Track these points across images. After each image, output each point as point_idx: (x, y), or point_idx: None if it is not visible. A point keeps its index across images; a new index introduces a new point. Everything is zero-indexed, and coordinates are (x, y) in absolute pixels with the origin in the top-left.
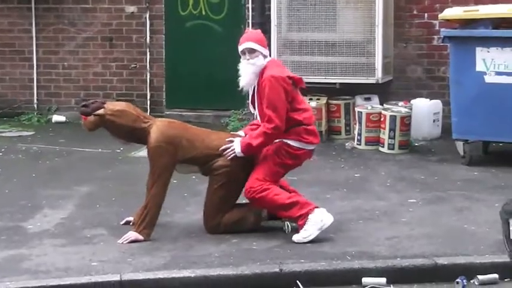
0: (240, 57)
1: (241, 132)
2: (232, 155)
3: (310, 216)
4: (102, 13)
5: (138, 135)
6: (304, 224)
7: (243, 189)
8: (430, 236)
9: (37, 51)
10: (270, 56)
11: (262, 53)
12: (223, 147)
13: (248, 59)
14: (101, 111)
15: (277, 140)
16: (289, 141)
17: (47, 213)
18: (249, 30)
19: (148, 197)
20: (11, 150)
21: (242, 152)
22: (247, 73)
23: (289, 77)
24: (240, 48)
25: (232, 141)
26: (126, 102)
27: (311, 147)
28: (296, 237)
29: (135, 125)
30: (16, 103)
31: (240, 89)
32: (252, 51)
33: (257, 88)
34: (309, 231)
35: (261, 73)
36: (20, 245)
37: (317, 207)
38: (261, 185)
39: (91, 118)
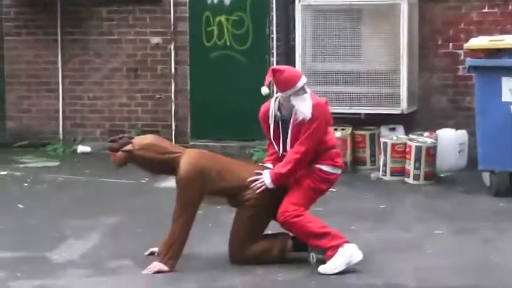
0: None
1: (269, 164)
2: (262, 187)
3: (340, 249)
4: (127, 44)
5: (168, 167)
6: (333, 255)
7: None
8: (457, 267)
9: (63, 83)
10: None
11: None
12: (252, 178)
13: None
14: (129, 147)
15: (308, 167)
16: (322, 167)
17: (72, 244)
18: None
19: (174, 227)
20: (36, 181)
21: (272, 183)
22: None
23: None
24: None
25: (260, 173)
26: (153, 135)
27: (340, 171)
28: (323, 269)
29: (164, 157)
30: (42, 134)
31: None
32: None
33: (292, 122)
34: (336, 263)
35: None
36: (45, 276)
37: (348, 241)
38: (295, 210)
39: (120, 154)
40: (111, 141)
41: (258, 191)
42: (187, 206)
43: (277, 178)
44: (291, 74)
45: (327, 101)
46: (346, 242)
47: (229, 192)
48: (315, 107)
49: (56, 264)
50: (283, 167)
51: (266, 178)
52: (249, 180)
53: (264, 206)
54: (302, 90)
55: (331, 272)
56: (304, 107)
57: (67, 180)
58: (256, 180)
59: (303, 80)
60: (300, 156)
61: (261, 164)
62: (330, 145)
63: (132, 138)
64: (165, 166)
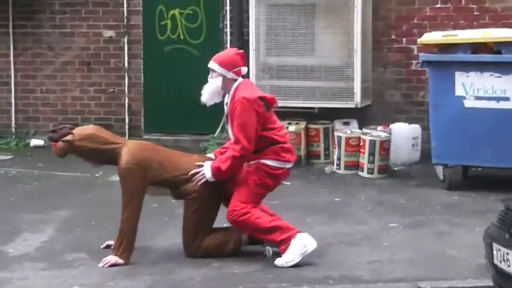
0: None
1: (211, 155)
2: (202, 180)
3: (292, 241)
4: (80, 37)
5: (108, 158)
6: (286, 248)
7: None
8: (411, 260)
9: (15, 76)
10: (245, 77)
11: (222, 74)
12: (193, 171)
13: (210, 77)
14: (69, 137)
15: (254, 162)
16: (267, 162)
17: (27, 237)
18: (226, 50)
19: (122, 219)
20: None
21: (213, 177)
22: (205, 91)
23: (261, 98)
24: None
25: (202, 166)
26: (94, 126)
27: (289, 165)
28: (278, 262)
29: (105, 147)
30: None
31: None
32: (212, 71)
33: (229, 109)
34: (291, 255)
35: (233, 94)
36: (1, 268)
37: (299, 231)
38: (242, 208)
39: (60, 144)
40: (53, 131)
41: (198, 183)
42: (131, 197)
43: (217, 173)
44: (235, 57)
45: (259, 97)
46: (298, 232)
47: (171, 183)
48: (240, 101)
49: (11, 257)
50: (223, 163)
51: (207, 171)
52: (190, 173)
53: (207, 199)
54: (236, 76)
55: (287, 265)
56: (237, 94)
57: (20, 174)
58: (198, 173)
59: (243, 69)
60: (237, 154)
61: (204, 155)
62: (274, 140)
63: (73, 128)
64: (106, 157)
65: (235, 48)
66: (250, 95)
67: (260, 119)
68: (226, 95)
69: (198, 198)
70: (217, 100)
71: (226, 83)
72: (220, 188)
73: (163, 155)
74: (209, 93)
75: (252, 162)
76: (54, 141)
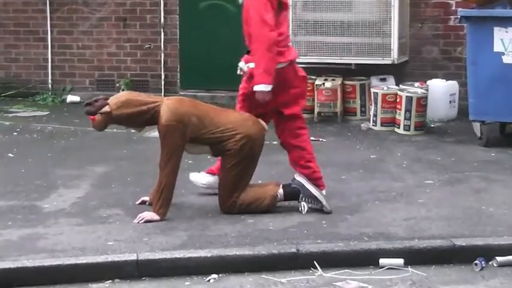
0: None
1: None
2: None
3: None
4: None
5: (149, 118)
6: None
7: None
8: (447, 217)
9: (51, 31)
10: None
11: None
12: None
13: None
14: (106, 109)
15: None
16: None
17: (62, 193)
18: None
19: (161, 176)
20: (25, 130)
21: (262, 83)
22: None
23: None
24: None
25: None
26: (127, 91)
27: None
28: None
29: (143, 108)
30: (31, 83)
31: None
32: None
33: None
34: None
35: None
36: (36, 224)
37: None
38: None
39: (98, 117)
40: (87, 104)
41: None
42: (171, 153)
43: (262, 75)
44: None
45: None
46: None
47: (210, 139)
48: None
49: (46, 213)
50: (257, 69)
51: (257, 88)
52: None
53: (246, 154)
54: None
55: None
56: None
57: (56, 130)
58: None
59: None
60: (265, 44)
61: (242, 111)
62: None
63: (107, 99)
64: (146, 118)
65: None
66: None
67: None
68: None
69: (236, 153)
70: None
71: None
72: (259, 144)
73: (202, 111)
74: None
75: None
76: (92, 114)
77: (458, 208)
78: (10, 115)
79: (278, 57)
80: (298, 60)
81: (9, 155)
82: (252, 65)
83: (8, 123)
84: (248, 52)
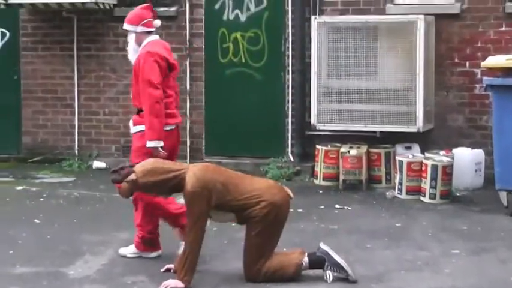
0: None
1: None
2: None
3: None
4: None
5: (175, 186)
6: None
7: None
8: (474, 287)
9: (78, 98)
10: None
11: (132, 31)
12: None
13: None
14: (132, 177)
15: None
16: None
17: (87, 259)
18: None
19: (186, 243)
20: (52, 196)
21: (154, 139)
22: (128, 50)
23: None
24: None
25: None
26: (152, 159)
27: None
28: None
29: (169, 176)
30: (57, 149)
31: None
32: (127, 31)
33: (133, 66)
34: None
35: (140, 51)
36: None
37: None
38: None
39: (125, 185)
40: (114, 171)
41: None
42: (196, 220)
43: (151, 135)
44: (140, 11)
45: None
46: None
47: (235, 206)
48: (143, 56)
49: (72, 279)
50: (147, 130)
51: (149, 144)
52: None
53: (271, 222)
54: (147, 28)
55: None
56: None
57: (82, 196)
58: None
59: (154, 22)
60: (149, 102)
61: (265, 178)
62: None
63: (133, 166)
64: (172, 185)
65: (144, 4)
66: (156, 50)
67: (162, 73)
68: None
69: (261, 220)
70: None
71: (139, 38)
72: (285, 213)
73: (227, 177)
74: (130, 51)
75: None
76: (118, 182)
77: (485, 278)
78: (37, 181)
79: (168, 118)
80: (323, 127)
81: (36, 220)
82: (140, 127)
83: (34, 188)
84: (138, 112)
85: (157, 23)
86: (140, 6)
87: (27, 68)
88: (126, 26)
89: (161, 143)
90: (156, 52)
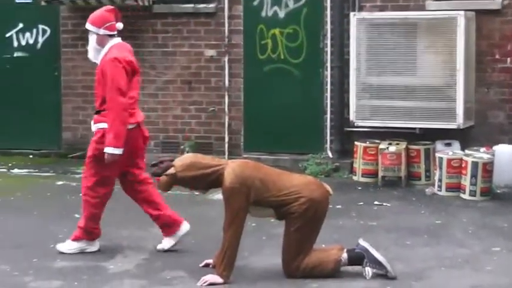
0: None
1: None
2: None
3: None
4: (181, 56)
5: (213, 181)
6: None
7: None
8: None
9: None
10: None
11: (94, 32)
12: None
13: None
14: (171, 170)
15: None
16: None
17: (127, 254)
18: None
19: (225, 239)
20: None
21: (113, 146)
22: (89, 49)
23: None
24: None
25: None
26: (192, 153)
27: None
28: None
29: (207, 171)
30: None
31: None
32: (88, 31)
33: (98, 70)
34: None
35: (105, 54)
36: (101, 285)
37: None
38: None
39: (164, 179)
40: (153, 165)
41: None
42: (234, 216)
43: (113, 143)
44: (104, 14)
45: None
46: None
47: (274, 202)
48: (108, 62)
49: (112, 274)
50: (108, 134)
51: (107, 150)
52: None
53: (310, 218)
54: (109, 31)
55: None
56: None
57: (121, 191)
58: None
59: (117, 25)
60: (115, 110)
61: (304, 174)
62: None
63: (172, 160)
64: (211, 181)
65: (108, 6)
66: (120, 56)
67: (128, 78)
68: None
69: (300, 216)
70: (101, 56)
71: (101, 40)
72: (323, 208)
73: (265, 174)
74: (91, 51)
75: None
76: (157, 176)
77: None
78: (77, 176)
79: (129, 118)
80: (362, 124)
81: (76, 215)
82: (101, 125)
83: (75, 184)
84: (97, 112)
85: (120, 26)
86: (104, 8)
87: (67, 64)
88: (88, 26)
89: (120, 151)
90: (123, 58)
